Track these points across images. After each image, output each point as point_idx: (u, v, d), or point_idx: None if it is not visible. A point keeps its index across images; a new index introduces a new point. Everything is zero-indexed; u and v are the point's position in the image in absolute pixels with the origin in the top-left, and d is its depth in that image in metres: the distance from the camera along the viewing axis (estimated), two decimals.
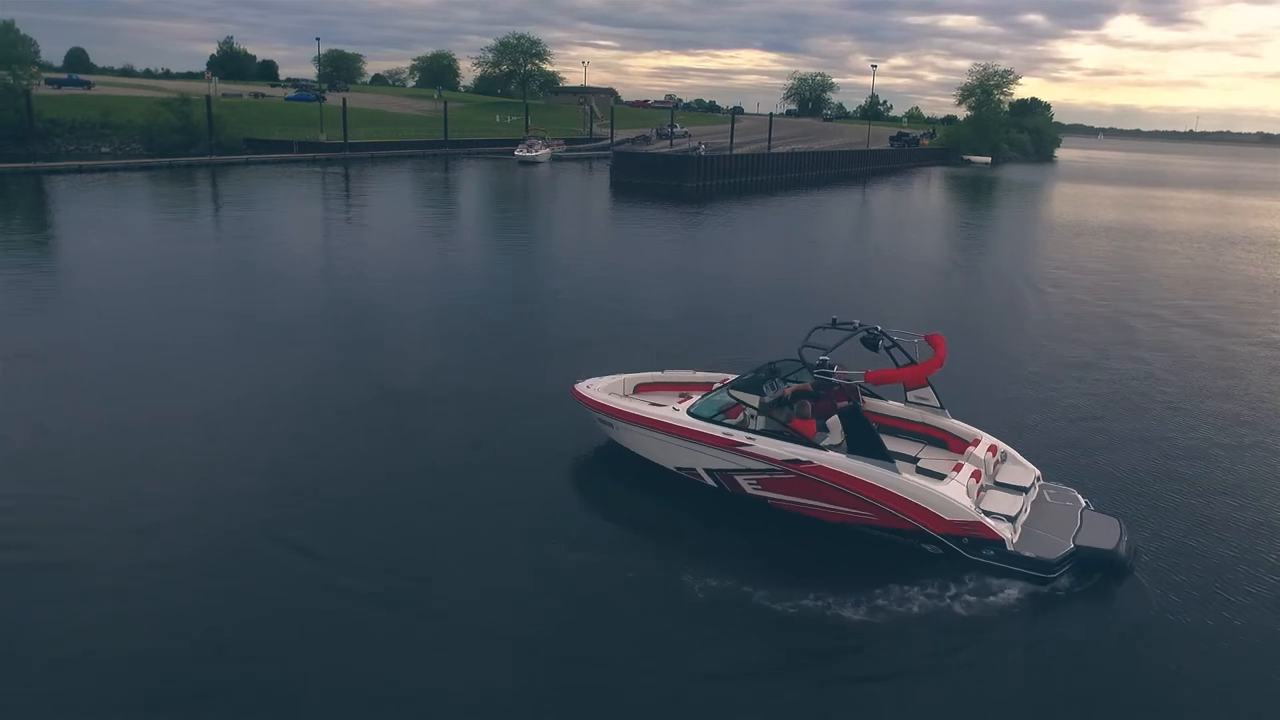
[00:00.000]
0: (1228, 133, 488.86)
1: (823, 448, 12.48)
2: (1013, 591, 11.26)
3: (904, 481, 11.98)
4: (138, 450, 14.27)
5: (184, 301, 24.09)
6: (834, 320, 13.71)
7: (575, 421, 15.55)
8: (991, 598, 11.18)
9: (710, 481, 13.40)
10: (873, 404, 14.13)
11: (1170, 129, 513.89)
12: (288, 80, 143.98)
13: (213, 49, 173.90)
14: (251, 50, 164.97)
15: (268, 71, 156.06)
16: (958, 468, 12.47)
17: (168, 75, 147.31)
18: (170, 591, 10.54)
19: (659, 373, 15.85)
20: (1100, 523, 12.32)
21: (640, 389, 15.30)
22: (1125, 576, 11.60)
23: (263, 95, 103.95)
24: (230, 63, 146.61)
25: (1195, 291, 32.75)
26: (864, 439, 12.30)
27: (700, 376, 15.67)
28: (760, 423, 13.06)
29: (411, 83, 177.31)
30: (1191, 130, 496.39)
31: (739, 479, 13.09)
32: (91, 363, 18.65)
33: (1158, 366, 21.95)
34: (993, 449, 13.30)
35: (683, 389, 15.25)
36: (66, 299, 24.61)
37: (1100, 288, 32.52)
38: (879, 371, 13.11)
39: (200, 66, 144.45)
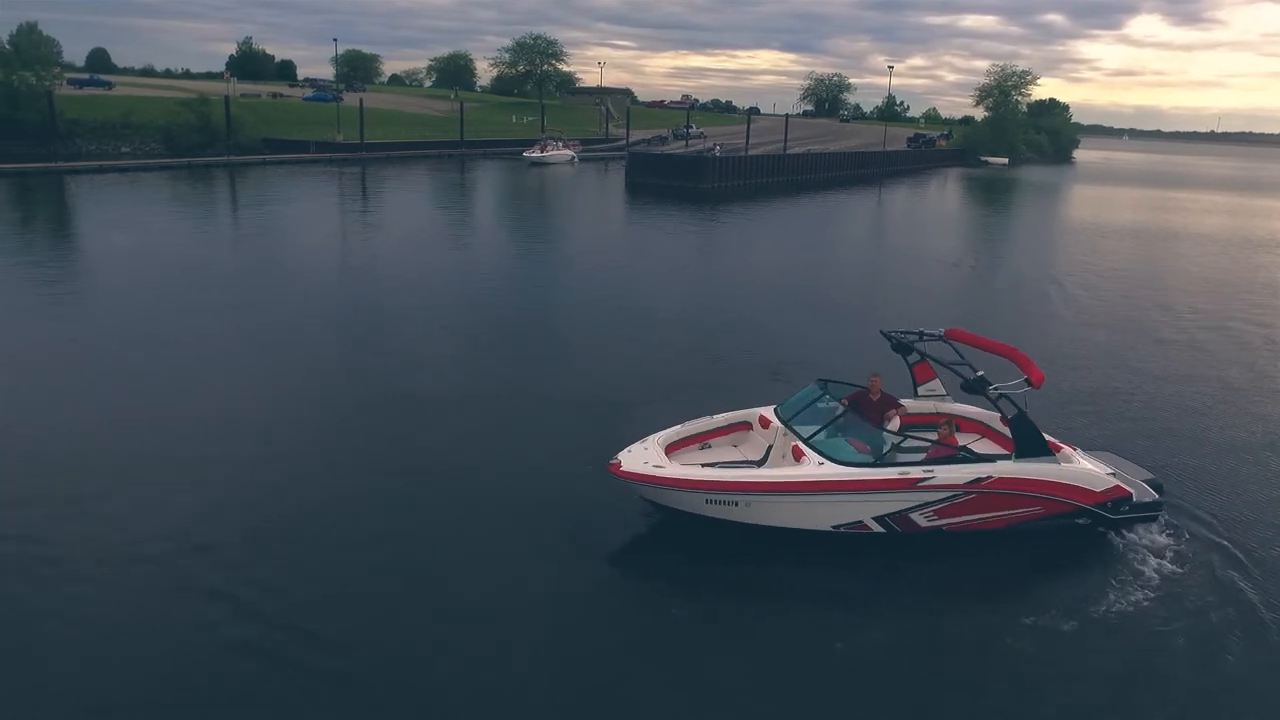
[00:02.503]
0: (1250, 133, 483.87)
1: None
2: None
3: (1063, 469, 12.87)
4: (136, 450, 14.31)
5: (198, 301, 24.23)
6: (919, 333, 14.10)
7: (584, 437, 15.51)
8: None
9: (879, 529, 12.38)
10: (911, 405, 14.46)
11: (1191, 129, 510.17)
12: (305, 80, 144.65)
13: (231, 49, 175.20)
14: (270, 50, 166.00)
15: (285, 72, 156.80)
16: (1055, 447, 13.21)
17: (187, 75, 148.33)
18: (143, 604, 10.50)
19: (679, 426, 13.57)
20: (1109, 459, 14.06)
21: (670, 449, 13.18)
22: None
23: (281, 95, 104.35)
24: (249, 63, 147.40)
25: (1218, 293, 32.50)
26: (1032, 440, 12.83)
27: (720, 420, 13.94)
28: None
29: (428, 83, 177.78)
30: (1213, 131, 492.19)
31: (914, 516, 12.41)
32: (99, 360, 18.77)
33: (1184, 364, 21.89)
34: None
35: (707, 438, 13.78)
36: (82, 296, 24.79)
37: (1122, 289, 32.30)
38: (1037, 375, 13.19)
39: (219, 66, 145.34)
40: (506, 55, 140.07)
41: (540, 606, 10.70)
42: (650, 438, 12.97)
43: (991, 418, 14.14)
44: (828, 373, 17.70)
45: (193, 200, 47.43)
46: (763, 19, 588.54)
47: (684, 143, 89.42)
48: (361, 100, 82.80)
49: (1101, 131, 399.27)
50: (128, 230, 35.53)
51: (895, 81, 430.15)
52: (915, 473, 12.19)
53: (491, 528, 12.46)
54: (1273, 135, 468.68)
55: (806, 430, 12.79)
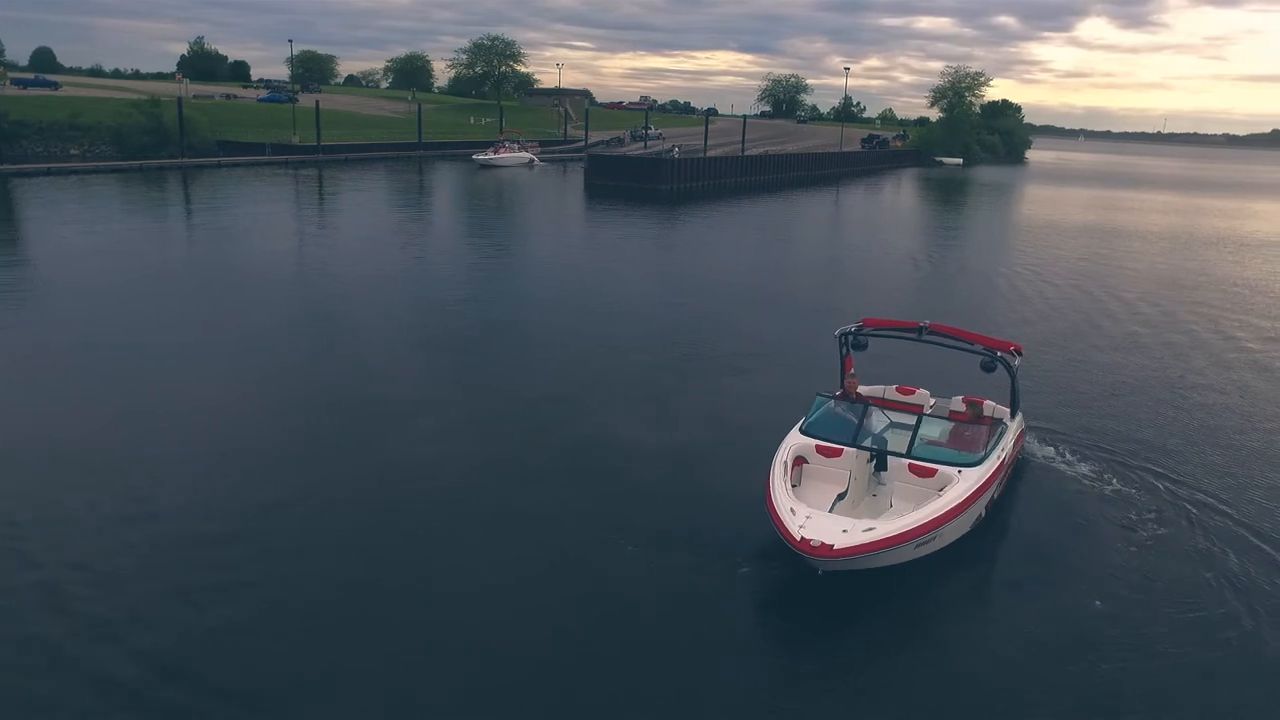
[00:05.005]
0: (1195, 134, 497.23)
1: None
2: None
3: (1019, 419, 14.76)
4: (90, 457, 14.11)
5: (150, 306, 23.93)
6: (919, 328, 14.53)
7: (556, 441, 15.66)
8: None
9: (984, 513, 12.74)
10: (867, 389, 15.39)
11: (1140, 130, 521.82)
12: (260, 81, 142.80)
13: (183, 49, 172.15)
14: (223, 50, 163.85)
15: (239, 72, 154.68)
16: (979, 400, 15.01)
17: (137, 76, 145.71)
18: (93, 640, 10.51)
19: (782, 485, 11.83)
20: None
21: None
22: None
23: (234, 96, 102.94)
24: (201, 63, 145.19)
25: (1166, 289, 33.33)
26: (1018, 400, 14.77)
27: (787, 459, 12.66)
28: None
29: (385, 84, 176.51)
30: (1160, 131, 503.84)
31: (996, 494, 13.10)
32: (48, 366, 18.43)
33: (1133, 355, 22.47)
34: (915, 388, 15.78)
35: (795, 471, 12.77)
36: (30, 301, 24.30)
37: (1071, 286, 33.00)
38: (1019, 347, 15.25)
39: (170, 66, 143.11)
40: (464, 56, 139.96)
41: (519, 608, 10.77)
42: (791, 505, 11.27)
43: (889, 389, 15.64)
44: (793, 366, 18.16)
45: (145, 203, 46.73)
46: (720, 20, 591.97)
47: (642, 144, 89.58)
48: (318, 102, 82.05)
49: (1054, 132, 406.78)
50: (78, 233, 34.92)
51: (852, 82, 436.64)
52: (1001, 457, 13.07)
53: (458, 530, 12.47)
54: (1216, 135, 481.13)
55: (898, 445, 12.74)
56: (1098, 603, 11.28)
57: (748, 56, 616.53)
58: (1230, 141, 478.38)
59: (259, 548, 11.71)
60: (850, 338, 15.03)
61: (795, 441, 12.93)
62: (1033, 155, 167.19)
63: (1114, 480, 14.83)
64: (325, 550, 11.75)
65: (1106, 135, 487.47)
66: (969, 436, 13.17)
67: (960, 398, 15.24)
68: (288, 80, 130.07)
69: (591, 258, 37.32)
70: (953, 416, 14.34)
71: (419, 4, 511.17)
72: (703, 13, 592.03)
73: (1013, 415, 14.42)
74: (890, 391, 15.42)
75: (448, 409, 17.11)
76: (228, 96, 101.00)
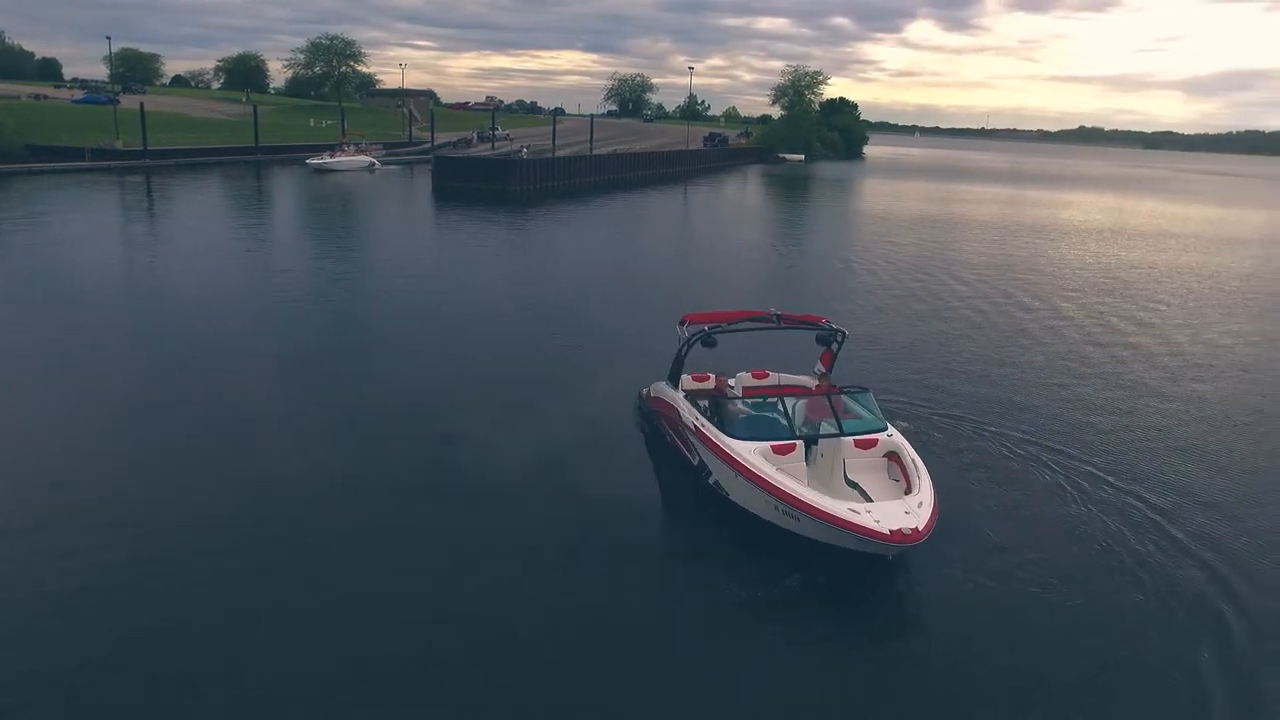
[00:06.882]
0: (1015, 130, 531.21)
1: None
2: None
3: None
4: None
5: None
6: (777, 316, 15.68)
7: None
8: None
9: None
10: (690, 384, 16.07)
11: (966, 126, 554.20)
12: (75, 81, 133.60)
13: None
14: (28, 46, 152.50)
15: (50, 70, 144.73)
16: (762, 374, 16.35)
17: None
18: None
19: (796, 484, 12.28)
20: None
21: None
22: None
23: (45, 97, 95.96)
24: (3, 59, 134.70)
25: (996, 272, 35.46)
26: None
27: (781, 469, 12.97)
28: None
29: (217, 85, 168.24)
30: (984, 128, 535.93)
31: None
32: None
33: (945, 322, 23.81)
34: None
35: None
36: None
37: (904, 272, 34.65)
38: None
39: None
40: (302, 56, 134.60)
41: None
42: (849, 506, 11.53)
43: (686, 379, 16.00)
44: (647, 362, 18.39)
45: None
46: (566, 19, 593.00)
47: (490, 145, 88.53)
48: (142, 104, 77.20)
49: (889, 128, 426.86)
50: None
51: (696, 81, 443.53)
52: None
53: (328, 549, 12.02)
54: (1032, 132, 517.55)
55: (829, 428, 13.42)
56: (970, 586, 11.64)
57: (593, 56, 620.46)
58: (1044, 137, 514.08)
59: (107, 581, 10.95)
60: (703, 336, 15.23)
61: (752, 447, 12.87)
62: (870, 151, 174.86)
63: (938, 435, 16.52)
64: (180, 580, 11.09)
65: (937, 131, 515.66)
66: (833, 404, 13.83)
67: (748, 373, 16.31)
68: (107, 80, 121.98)
69: (443, 262, 36.64)
70: (809, 392, 14.92)
71: (250, 0, 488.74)
72: (548, 12, 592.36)
73: (831, 372, 16.02)
74: (688, 381, 15.82)
75: (301, 423, 16.47)
76: (37, 97, 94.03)
